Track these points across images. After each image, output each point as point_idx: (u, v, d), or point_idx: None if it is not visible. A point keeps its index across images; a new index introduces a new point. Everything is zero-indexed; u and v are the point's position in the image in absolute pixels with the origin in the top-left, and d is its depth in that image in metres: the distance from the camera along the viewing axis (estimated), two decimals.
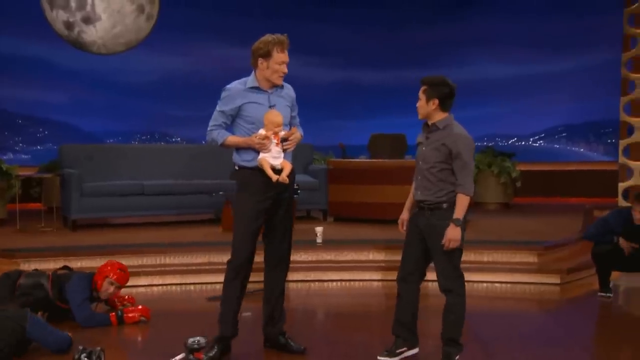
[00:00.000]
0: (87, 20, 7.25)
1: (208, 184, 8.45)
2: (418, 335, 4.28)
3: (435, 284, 4.15)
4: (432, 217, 4.06)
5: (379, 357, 4.20)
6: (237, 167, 4.25)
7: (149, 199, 8.32)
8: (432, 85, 4.06)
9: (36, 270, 5.30)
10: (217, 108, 4.21)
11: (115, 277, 5.12)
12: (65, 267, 5.34)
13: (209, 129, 4.22)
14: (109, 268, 5.15)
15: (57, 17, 7.33)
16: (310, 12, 13.18)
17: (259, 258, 4.29)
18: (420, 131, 4.22)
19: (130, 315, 5.04)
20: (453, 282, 4.06)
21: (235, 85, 4.22)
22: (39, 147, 12.95)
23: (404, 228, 4.28)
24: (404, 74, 12.34)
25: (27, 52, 12.16)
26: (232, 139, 4.18)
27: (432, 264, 4.18)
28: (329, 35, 13.55)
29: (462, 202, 3.98)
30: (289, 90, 4.31)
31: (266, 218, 4.22)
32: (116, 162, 8.67)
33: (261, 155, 4.11)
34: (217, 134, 4.19)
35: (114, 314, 5.02)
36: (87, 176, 8.14)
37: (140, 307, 5.17)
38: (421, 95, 4.08)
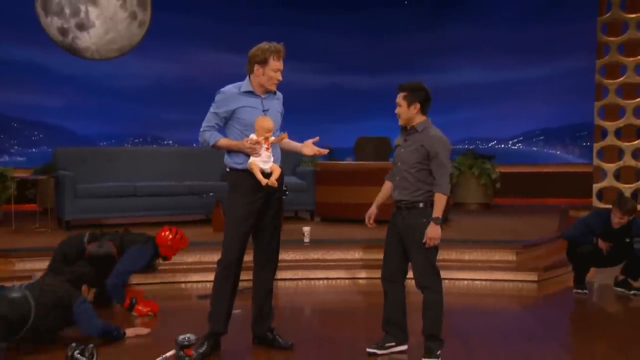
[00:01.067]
0: (81, 26, 7.34)
1: (199, 186, 8.55)
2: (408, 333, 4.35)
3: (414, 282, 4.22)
4: (408, 216, 4.16)
5: (367, 349, 4.29)
6: (228, 169, 4.29)
7: (141, 200, 8.42)
8: (413, 91, 4.17)
9: (94, 234, 5.44)
10: (211, 110, 4.25)
11: (181, 246, 5.50)
12: (126, 229, 5.57)
13: (202, 129, 4.26)
14: (176, 243, 5.45)
15: (52, 23, 7.42)
16: (301, 19, 13.27)
17: (248, 257, 4.35)
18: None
19: (139, 307, 5.28)
20: (430, 280, 4.14)
21: (229, 88, 4.26)
22: (34, 149, 12.97)
23: (371, 221, 4.37)
24: (389, 78, 12.48)
25: (23, 57, 12.18)
26: (223, 141, 4.24)
27: None
28: (319, 41, 13.67)
29: (440, 201, 4.09)
30: (280, 97, 4.39)
31: (257, 219, 4.28)
32: (109, 165, 8.75)
33: (251, 159, 4.15)
34: (210, 136, 4.24)
35: (129, 299, 5.28)
36: (81, 178, 8.24)
37: (150, 301, 5.40)
38: (401, 101, 4.18)
